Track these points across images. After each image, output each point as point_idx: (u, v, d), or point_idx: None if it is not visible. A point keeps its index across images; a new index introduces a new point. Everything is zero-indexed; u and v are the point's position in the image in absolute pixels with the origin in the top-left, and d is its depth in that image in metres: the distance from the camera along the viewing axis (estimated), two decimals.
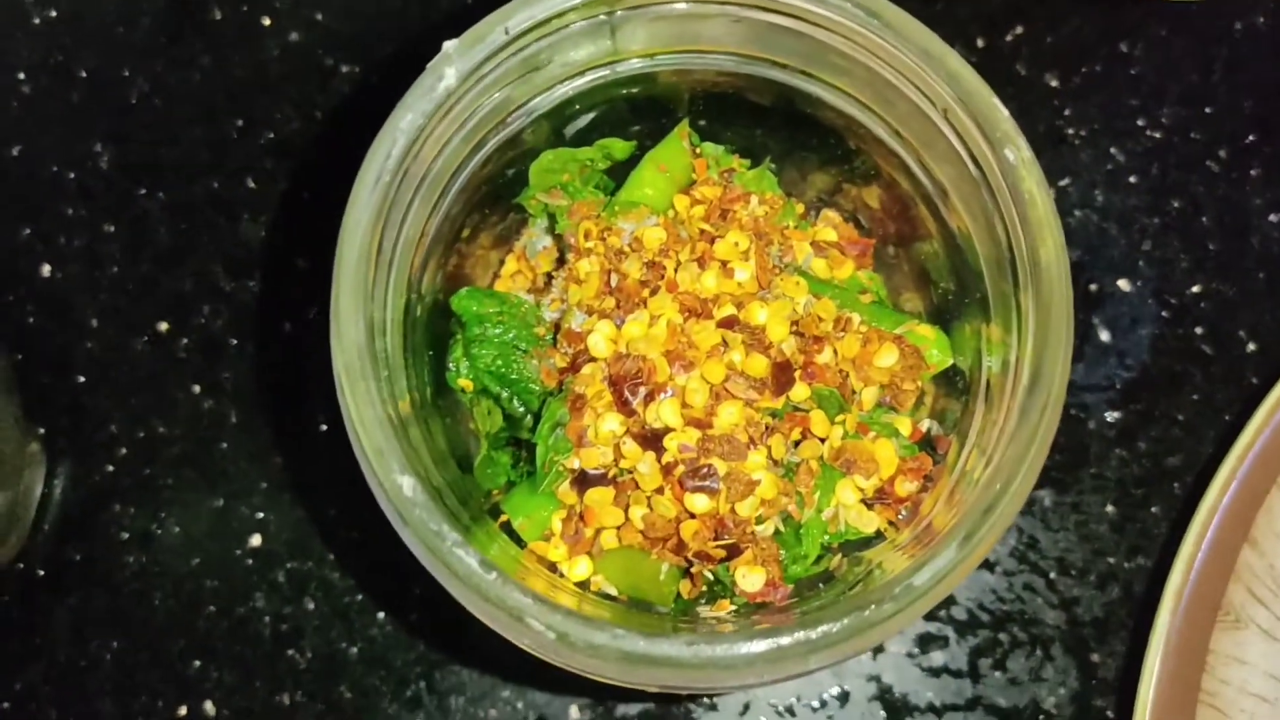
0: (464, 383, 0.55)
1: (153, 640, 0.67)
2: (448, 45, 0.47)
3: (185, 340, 0.72)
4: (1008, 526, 0.44)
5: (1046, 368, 0.45)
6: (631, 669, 0.41)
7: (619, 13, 0.50)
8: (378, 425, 0.43)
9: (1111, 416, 0.69)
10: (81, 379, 0.72)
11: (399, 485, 0.42)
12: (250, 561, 0.68)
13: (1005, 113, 0.46)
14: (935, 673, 0.66)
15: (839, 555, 0.53)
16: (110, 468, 0.70)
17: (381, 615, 0.67)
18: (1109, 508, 0.68)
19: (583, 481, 0.51)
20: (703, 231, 0.55)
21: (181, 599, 0.68)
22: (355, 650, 0.67)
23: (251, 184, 0.74)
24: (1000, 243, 0.49)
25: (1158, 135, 0.74)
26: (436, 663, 0.67)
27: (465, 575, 0.42)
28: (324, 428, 0.70)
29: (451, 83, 0.47)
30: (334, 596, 0.68)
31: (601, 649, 0.41)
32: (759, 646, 0.41)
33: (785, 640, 0.41)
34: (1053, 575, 0.67)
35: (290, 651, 0.67)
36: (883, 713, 0.65)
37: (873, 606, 0.42)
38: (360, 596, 0.68)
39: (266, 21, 0.77)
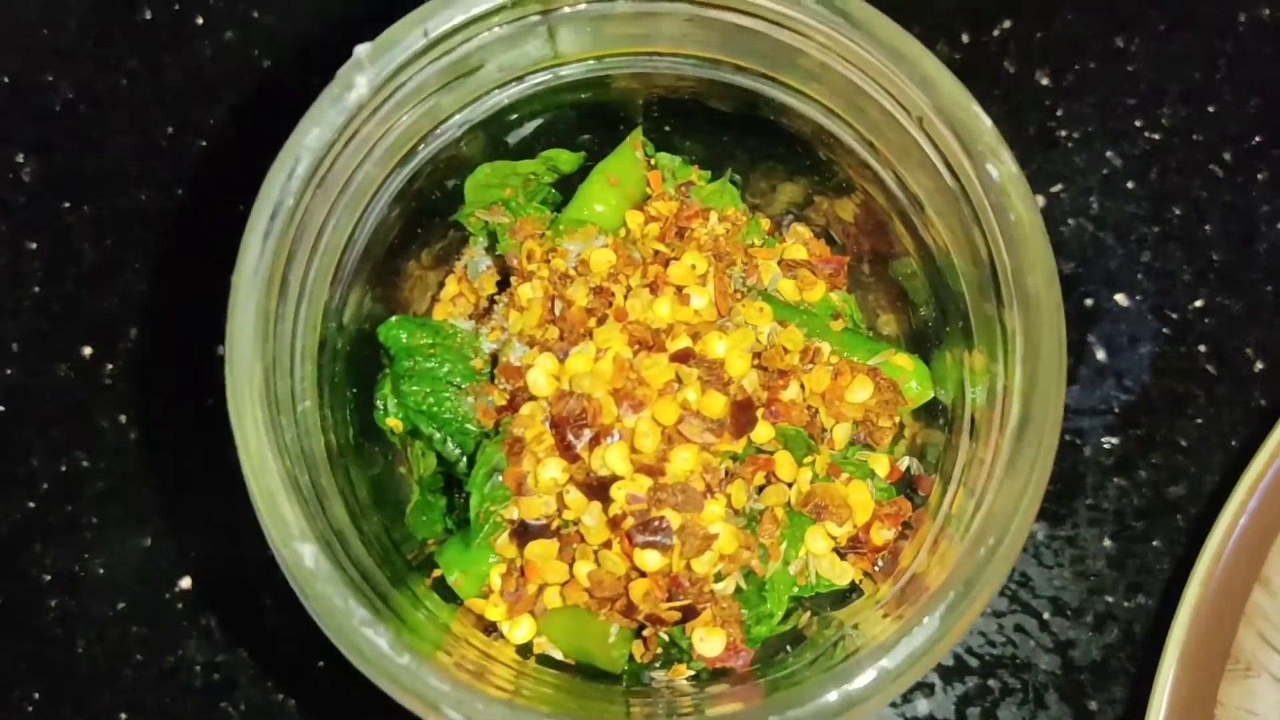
0: (393, 423, 0.50)
1: (76, 691, 0.63)
2: (359, 50, 0.42)
3: (110, 366, 0.67)
4: (996, 591, 0.39)
5: (1037, 408, 0.40)
6: None
7: (556, 12, 0.45)
8: (277, 487, 0.38)
9: (1109, 442, 0.64)
10: (0, 408, 0.67)
11: (299, 555, 0.37)
12: (180, 605, 0.64)
13: (988, 122, 0.41)
14: None
15: (809, 613, 0.48)
16: (31, 504, 0.65)
17: (322, 663, 0.63)
18: (1107, 542, 0.63)
19: (523, 534, 0.46)
20: (657, 253, 0.50)
21: (106, 646, 0.63)
22: (292, 702, 0.62)
23: (182, 195, 0.69)
24: (982, 262, 0.44)
25: (1157, 137, 0.69)
26: (382, 714, 0.62)
27: (373, 658, 0.37)
28: None
29: (363, 92, 0.42)
30: (271, 643, 0.63)
31: None
32: None
33: None
34: (1046, 616, 0.62)
35: (223, 703, 0.62)
36: None
37: (844, 687, 0.37)
38: (298, 643, 0.63)
39: (199, 21, 0.72)
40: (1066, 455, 0.64)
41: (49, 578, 0.64)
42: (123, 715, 0.63)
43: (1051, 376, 0.40)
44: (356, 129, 0.42)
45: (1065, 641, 0.62)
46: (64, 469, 0.66)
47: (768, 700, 0.37)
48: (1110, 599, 0.62)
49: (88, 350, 0.68)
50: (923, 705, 0.61)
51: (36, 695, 0.63)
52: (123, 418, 0.67)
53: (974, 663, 0.62)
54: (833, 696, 0.37)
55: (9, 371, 0.67)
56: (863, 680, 0.37)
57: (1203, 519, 0.63)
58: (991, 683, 0.61)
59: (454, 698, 0.36)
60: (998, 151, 0.41)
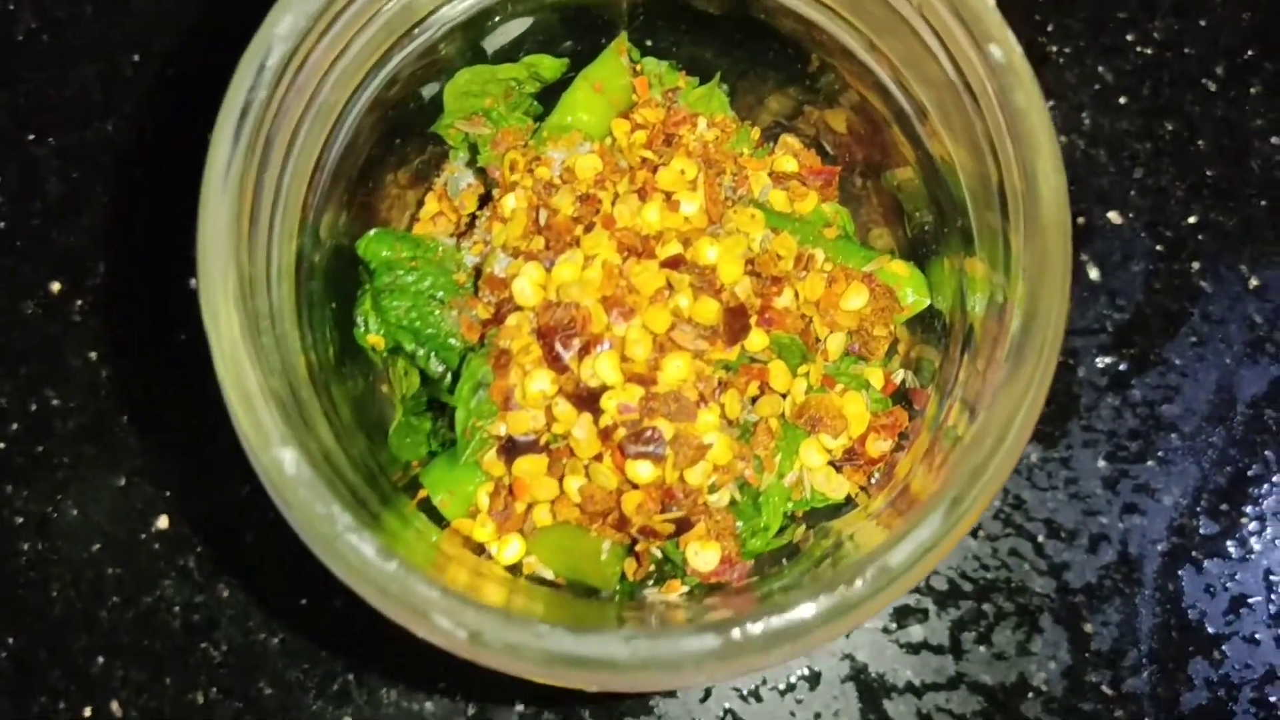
0: (374, 339, 0.49)
1: (52, 635, 0.61)
2: None
3: (80, 301, 0.65)
4: (999, 491, 0.38)
5: (1043, 305, 0.39)
6: (561, 671, 0.35)
7: None
8: (254, 390, 0.36)
9: (1102, 362, 0.63)
10: None
11: (279, 460, 0.36)
12: (157, 546, 0.62)
13: (990, 3, 0.39)
14: (914, 649, 0.60)
15: (804, 526, 0.46)
16: (0, 445, 0.63)
17: (304, 601, 0.61)
18: (1101, 463, 0.62)
19: (511, 450, 0.45)
20: (644, 160, 0.48)
21: (82, 589, 0.62)
22: (275, 641, 0.61)
23: (149, 126, 0.67)
24: (985, 164, 0.42)
25: (1149, 51, 0.68)
26: (366, 653, 0.60)
27: (359, 565, 0.35)
28: None
29: None
30: (251, 582, 0.62)
31: (522, 649, 0.35)
32: (710, 642, 0.35)
33: (739, 634, 0.35)
34: (1040, 538, 0.61)
35: (203, 644, 0.61)
36: (856, 695, 0.59)
37: (842, 588, 0.36)
38: (280, 581, 0.61)
39: None
40: (1060, 376, 0.62)
41: (21, 520, 0.63)
42: (100, 658, 0.61)
43: (1057, 268, 0.39)
44: (331, 21, 0.40)
45: (1060, 564, 0.61)
46: (34, 408, 0.64)
47: (764, 604, 0.36)
48: (1105, 520, 0.61)
49: (56, 286, 0.66)
50: (917, 631, 0.60)
51: (11, 640, 0.61)
52: (93, 354, 0.65)
53: (968, 587, 0.61)
54: (833, 596, 0.35)
55: None
56: (862, 581, 0.36)
57: (1197, 437, 0.62)
58: (986, 606, 0.60)
59: (443, 605, 0.35)
60: (1001, 34, 0.39)
